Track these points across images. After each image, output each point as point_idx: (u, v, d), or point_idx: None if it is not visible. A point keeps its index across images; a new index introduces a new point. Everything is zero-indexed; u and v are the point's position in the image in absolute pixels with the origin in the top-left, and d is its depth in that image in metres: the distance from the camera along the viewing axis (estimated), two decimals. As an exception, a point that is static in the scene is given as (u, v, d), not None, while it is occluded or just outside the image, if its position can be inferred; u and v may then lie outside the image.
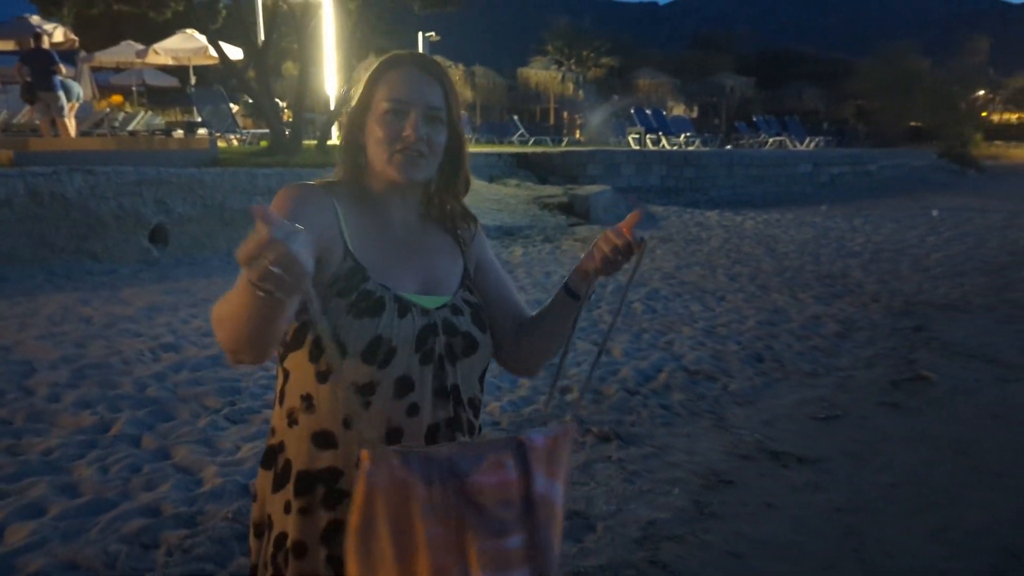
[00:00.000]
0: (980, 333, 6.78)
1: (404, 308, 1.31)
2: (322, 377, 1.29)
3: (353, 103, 1.42)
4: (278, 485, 1.33)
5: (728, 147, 26.17)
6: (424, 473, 1.16)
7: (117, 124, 15.83)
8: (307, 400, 1.31)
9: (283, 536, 1.31)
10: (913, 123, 39.96)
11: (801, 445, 4.30)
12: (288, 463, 1.33)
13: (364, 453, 1.15)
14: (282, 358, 1.35)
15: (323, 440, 1.30)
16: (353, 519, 1.15)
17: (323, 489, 1.30)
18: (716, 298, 7.62)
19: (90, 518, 3.18)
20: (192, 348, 5.40)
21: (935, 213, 15.97)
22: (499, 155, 15.97)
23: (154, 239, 8.61)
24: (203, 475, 3.59)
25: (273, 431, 1.38)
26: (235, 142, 15.13)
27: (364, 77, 1.41)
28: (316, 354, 1.29)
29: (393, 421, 1.29)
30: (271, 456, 1.37)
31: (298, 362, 1.32)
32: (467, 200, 1.52)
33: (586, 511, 3.43)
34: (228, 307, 1.13)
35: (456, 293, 1.42)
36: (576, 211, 12.36)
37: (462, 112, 1.51)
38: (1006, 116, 54.18)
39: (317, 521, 1.30)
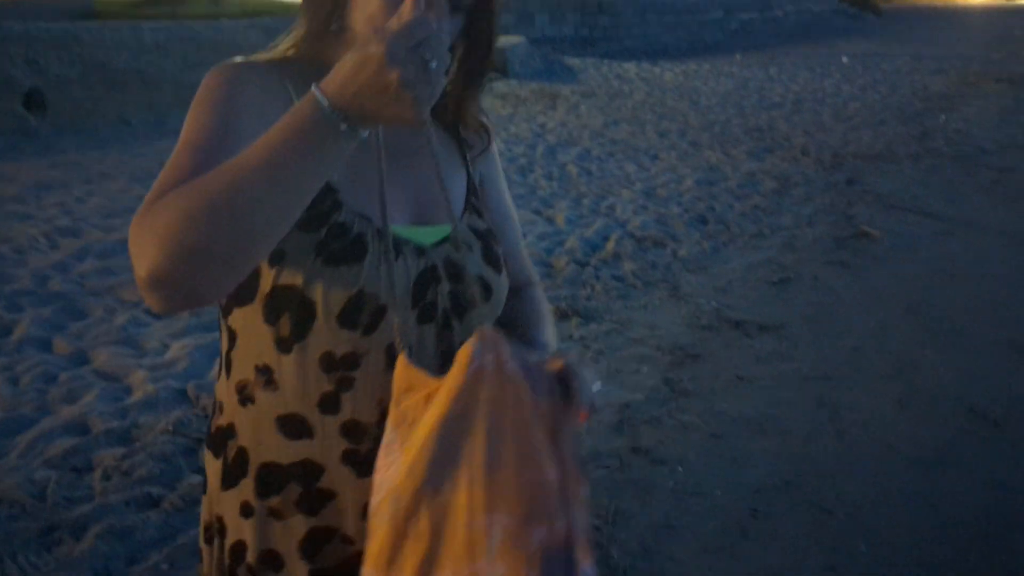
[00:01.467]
0: (910, 184, 6.82)
1: (394, 248, 0.94)
2: (285, 345, 0.93)
3: None
4: (230, 481, 0.99)
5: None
6: (530, 377, 0.88)
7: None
8: (265, 373, 0.95)
9: (241, 545, 0.99)
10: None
11: (759, 312, 4.21)
12: (243, 452, 0.98)
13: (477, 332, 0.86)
14: (224, 311, 0.98)
15: (293, 427, 0.95)
16: (441, 408, 0.83)
17: (298, 489, 0.96)
18: (649, 157, 7.38)
19: (6, 440, 2.80)
20: (95, 232, 4.84)
21: (845, 60, 16.00)
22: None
23: (29, 105, 7.65)
24: (131, 381, 3.22)
25: (219, 407, 1.02)
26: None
27: None
28: (273, 313, 0.91)
29: (386, 402, 0.92)
30: (218, 440, 1.02)
31: (248, 322, 0.94)
32: None
33: (557, 397, 3.25)
34: (240, 173, 0.75)
35: (460, 219, 1.02)
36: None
37: None
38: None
39: (292, 528, 0.97)
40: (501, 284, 1.02)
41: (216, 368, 1.04)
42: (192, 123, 0.89)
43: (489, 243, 1.03)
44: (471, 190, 1.07)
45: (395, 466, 0.84)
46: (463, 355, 0.84)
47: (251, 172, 0.75)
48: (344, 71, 0.75)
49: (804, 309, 4.27)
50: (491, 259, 1.02)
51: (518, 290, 1.13)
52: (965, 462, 3.00)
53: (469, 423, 0.82)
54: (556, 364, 0.90)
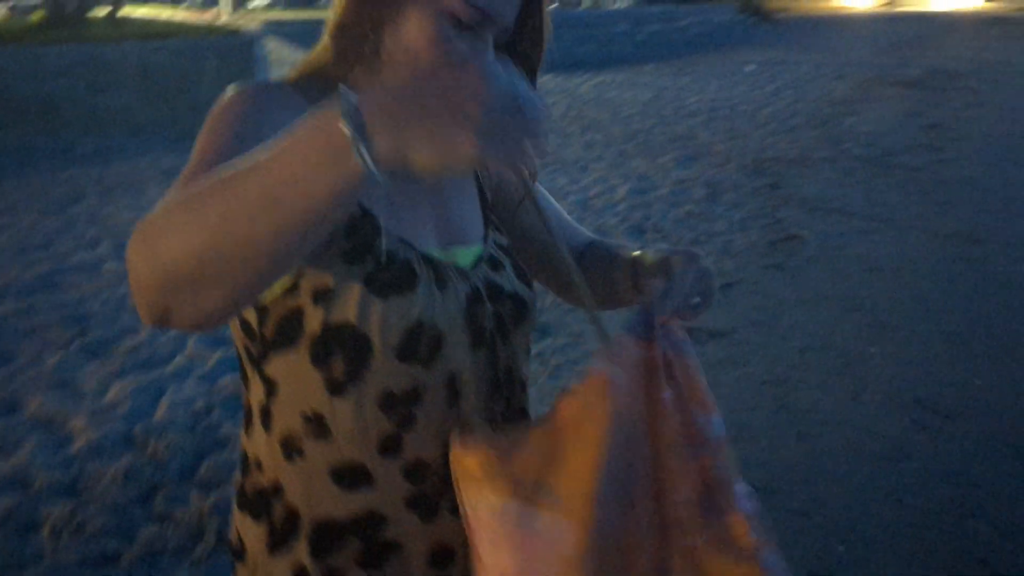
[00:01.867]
0: (829, 186, 7.06)
1: (441, 274, 0.89)
2: (337, 387, 0.86)
3: None
4: (280, 544, 0.91)
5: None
6: (647, 334, 0.84)
7: None
8: (315, 421, 0.87)
9: None
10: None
11: (708, 318, 4.23)
12: (293, 513, 0.90)
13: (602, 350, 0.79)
14: (256, 359, 0.90)
15: (350, 476, 0.88)
16: (592, 457, 0.75)
17: (359, 544, 0.89)
18: (578, 168, 7.44)
19: (-63, 502, 2.59)
20: (11, 269, 4.55)
21: (751, 68, 16.51)
22: (315, 22, 14.69)
23: (-77, 137, 7.20)
24: (71, 428, 3.02)
25: (256, 465, 0.93)
26: (2, 11, 12.90)
27: None
28: (324, 354, 0.85)
29: (449, 436, 0.88)
30: (260, 502, 0.93)
31: (292, 368, 0.87)
32: None
33: (523, 416, 3.20)
34: (233, 186, 0.64)
35: (487, 238, 0.99)
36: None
37: None
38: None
39: None
40: (532, 299, 1.00)
41: (247, 422, 0.95)
42: (204, 142, 0.82)
43: (516, 258, 1.01)
44: (484, 202, 1.04)
45: (543, 541, 0.77)
46: (598, 386, 0.77)
47: (241, 186, 0.64)
48: (405, 74, 0.65)
49: (749, 313, 4.35)
50: (520, 274, 1.00)
51: (585, 250, 1.17)
52: (921, 454, 3.09)
53: (625, 462, 0.77)
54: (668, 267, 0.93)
